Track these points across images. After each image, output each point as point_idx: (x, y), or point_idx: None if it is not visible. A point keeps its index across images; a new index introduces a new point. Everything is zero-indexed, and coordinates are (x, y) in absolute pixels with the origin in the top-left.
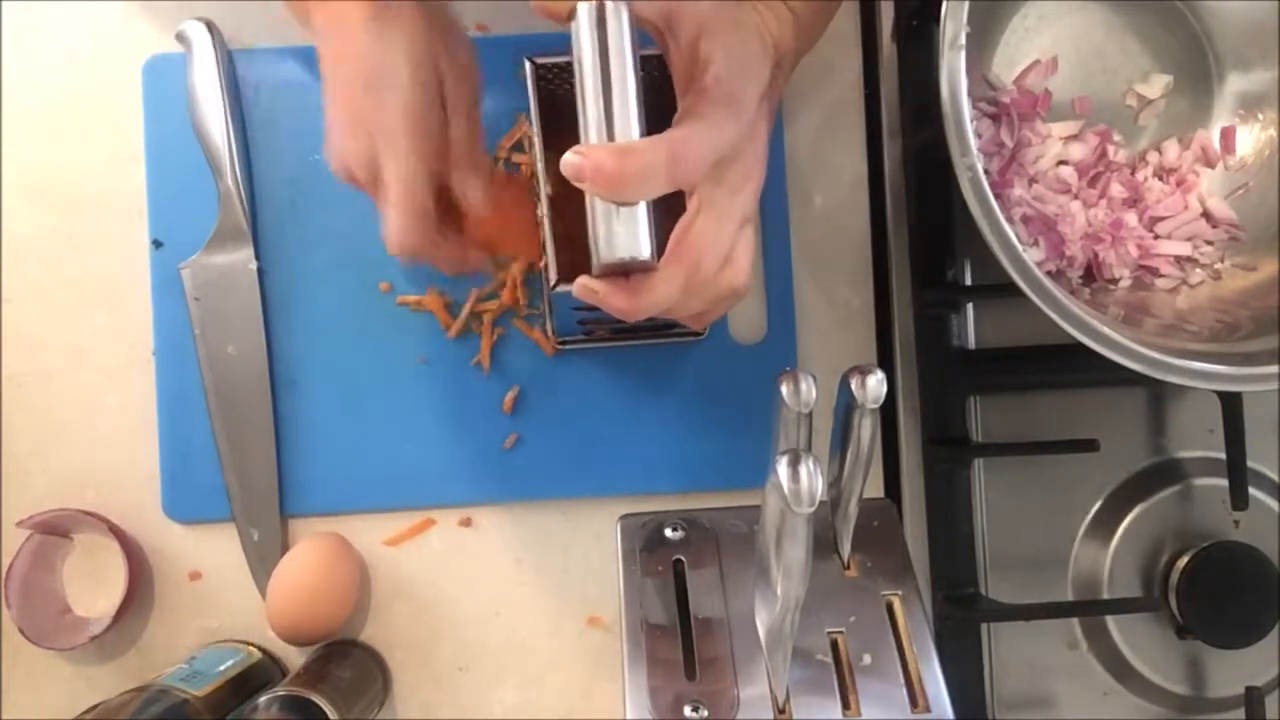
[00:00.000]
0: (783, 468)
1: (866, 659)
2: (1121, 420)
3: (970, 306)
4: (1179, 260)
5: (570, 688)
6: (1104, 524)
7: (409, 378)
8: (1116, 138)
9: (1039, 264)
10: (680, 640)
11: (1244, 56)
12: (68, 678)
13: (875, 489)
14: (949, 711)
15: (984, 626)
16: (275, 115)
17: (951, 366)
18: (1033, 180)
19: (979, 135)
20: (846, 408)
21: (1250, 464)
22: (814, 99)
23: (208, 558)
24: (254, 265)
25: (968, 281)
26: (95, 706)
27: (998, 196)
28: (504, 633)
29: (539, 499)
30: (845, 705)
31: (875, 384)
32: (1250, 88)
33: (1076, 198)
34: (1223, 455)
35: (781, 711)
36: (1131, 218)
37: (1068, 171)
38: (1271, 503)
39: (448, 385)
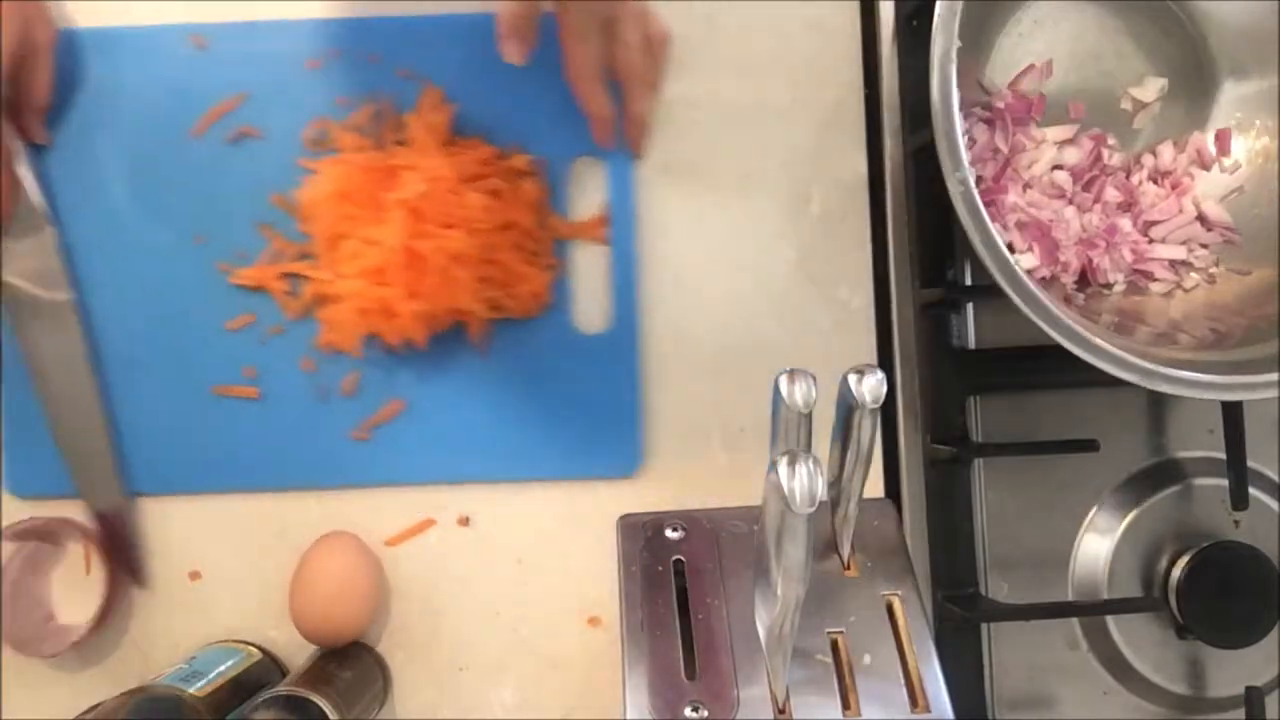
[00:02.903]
0: (783, 468)
1: (866, 659)
2: (1121, 420)
3: (970, 306)
4: (1173, 264)
5: (570, 688)
6: (1104, 524)
7: (249, 359)
8: (1111, 141)
9: (1033, 270)
10: (680, 640)
11: (1239, 61)
12: (68, 678)
13: (875, 489)
14: (949, 711)
15: (984, 626)
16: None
17: (951, 366)
18: (1027, 186)
19: (974, 141)
20: (847, 408)
21: (1250, 464)
22: (814, 99)
23: (208, 557)
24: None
25: (968, 281)
26: (95, 706)
27: (992, 203)
28: (504, 633)
29: (379, 484)
30: (845, 705)
31: (875, 384)
32: (1246, 91)
33: (1071, 203)
34: (1223, 455)
35: (781, 711)
36: (1126, 222)
37: (1062, 176)
38: (1271, 503)
39: (288, 368)
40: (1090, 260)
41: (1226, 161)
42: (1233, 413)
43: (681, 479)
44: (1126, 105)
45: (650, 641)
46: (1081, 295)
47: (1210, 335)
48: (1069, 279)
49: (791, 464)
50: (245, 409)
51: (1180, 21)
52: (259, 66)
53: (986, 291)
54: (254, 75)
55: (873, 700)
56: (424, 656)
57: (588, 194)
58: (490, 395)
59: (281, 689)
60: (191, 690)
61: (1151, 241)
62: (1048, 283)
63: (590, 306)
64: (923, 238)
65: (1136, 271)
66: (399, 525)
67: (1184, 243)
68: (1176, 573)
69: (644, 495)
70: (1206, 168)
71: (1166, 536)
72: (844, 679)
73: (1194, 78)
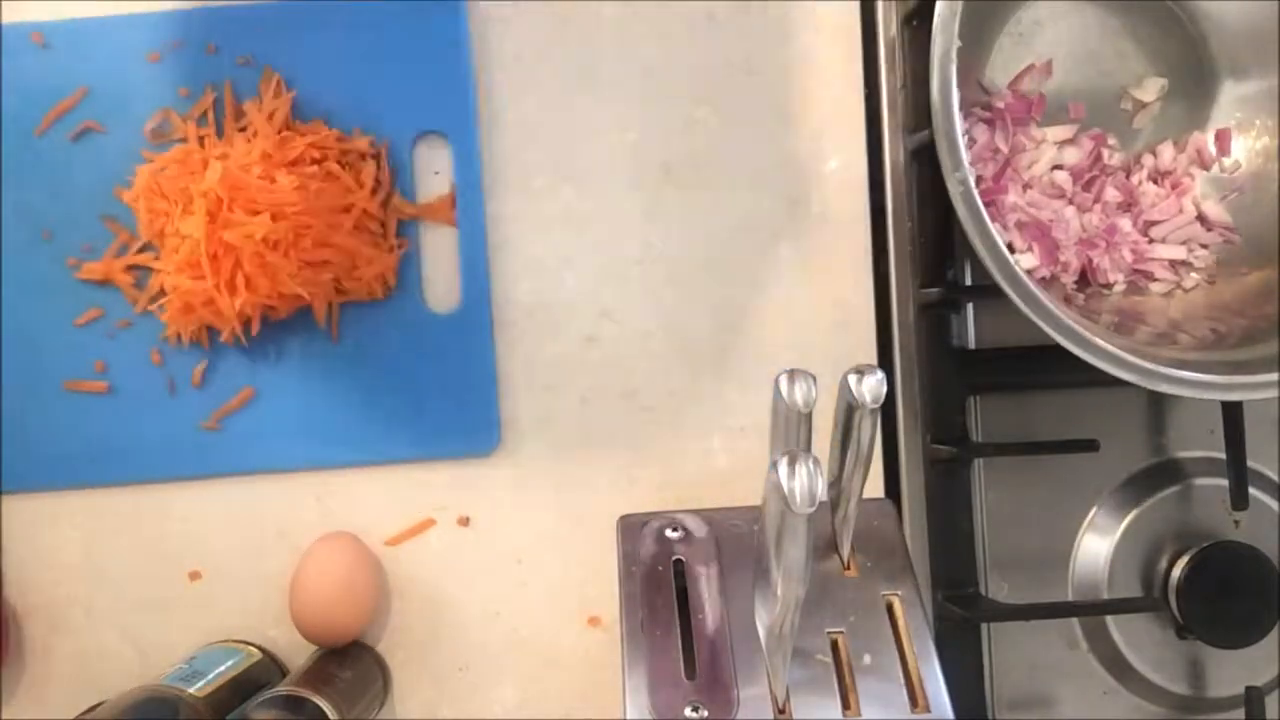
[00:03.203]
0: (782, 468)
1: (866, 659)
2: (1121, 420)
3: (970, 306)
4: (1173, 264)
5: (570, 688)
6: (1104, 524)
7: (99, 353)
8: (1111, 141)
9: (1033, 270)
10: (680, 640)
11: (1240, 61)
12: (68, 678)
13: (875, 489)
14: (949, 711)
15: (984, 626)
16: None
17: (951, 366)
18: (1027, 186)
19: (973, 141)
20: (847, 408)
21: (1250, 464)
22: (814, 99)
23: (208, 557)
24: None
25: (968, 281)
26: (95, 706)
27: (991, 203)
28: (504, 633)
29: (234, 474)
30: (845, 705)
31: (875, 384)
32: (1246, 92)
33: (1071, 203)
34: (1223, 455)
35: (781, 711)
36: (1126, 222)
37: (1062, 176)
38: (1271, 503)
39: (137, 361)
40: (1090, 260)
41: (1226, 161)
42: (1233, 413)
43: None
44: (1126, 105)
45: (650, 641)
46: (1081, 295)
47: (1210, 335)
48: (1069, 279)
49: (791, 464)
50: (97, 403)
51: (1180, 21)
52: (99, 62)
53: (986, 291)
54: (95, 70)
55: (873, 700)
56: (424, 656)
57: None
58: (341, 379)
59: (281, 689)
60: (191, 690)
61: (1151, 241)
62: (1048, 282)
63: (443, 287)
64: (923, 238)
65: (1137, 271)
66: (399, 525)
67: (1184, 243)
68: (1176, 573)
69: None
70: (1206, 168)
71: (1166, 536)
72: (844, 679)
73: (1194, 78)
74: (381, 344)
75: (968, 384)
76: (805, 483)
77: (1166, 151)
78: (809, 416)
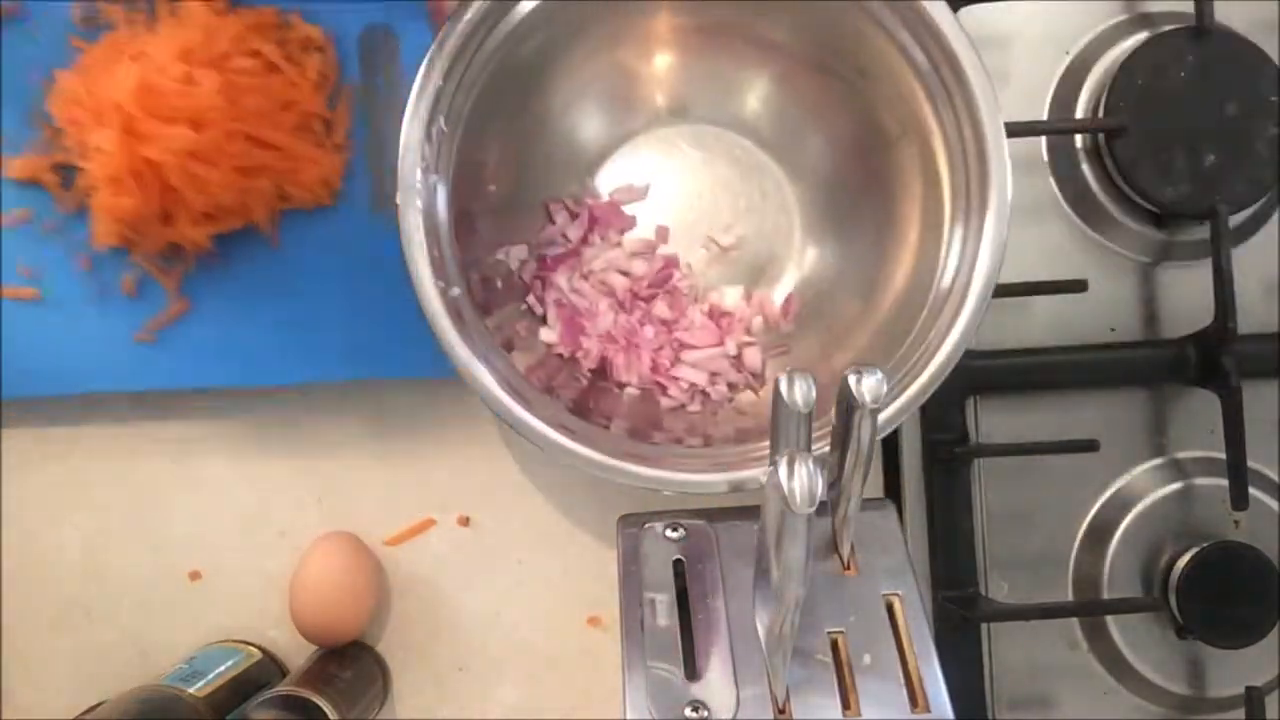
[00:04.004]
0: (783, 468)
1: (866, 659)
2: (1121, 420)
3: None
4: (691, 386)
5: (570, 688)
6: (1104, 524)
7: (27, 258)
8: (684, 268)
9: (552, 344)
10: (680, 640)
11: (819, 234)
12: (67, 678)
13: (875, 489)
14: (949, 711)
15: (984, 626)
16: None
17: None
18: (583, 276)
19: (552, 222)
20: (847, 408)
21: (1250, 464)
22: None
23: (208, 557)
24: None
25: None
26: (95, 706)
27: (542, 279)
28: (504, 633)
29: (167, 389)
30: (845, 705)
31: (875, 384)
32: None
33: (617, 300)
34: (1223, 455)
35: (781, 711)
36: (650, 331)
37: (620, 281)
38: (1271, 503)
39: (67, 267)
40: (608, 355)
41: (785, 328)
42: (1233, 410)
43: None
44: (707, 246)
45: (650, 642)
46: (584, 379)
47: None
48: (588, 363)
49: (791, 464)
50: (25, 311)
51: (783, 190)
52: None
53: None
54: None
55: (873, 700)
56: (424, 656)
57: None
58: (283, 292)
59: (281, 689)
60: (191, 690)
61: (679, 363)
62: (565, 359)
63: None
64: None
65: (655, 383)
66: (399, 525)
67: (713, 373)
68: (1176, 573)
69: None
70: (768, 323)
71: (1166, 536)
72: (844, 679)
73: (782, 240)
74: (326, 253)
75: (968, 384)
76: (805, 483)
77: (733, 294)
78: (809, 416)
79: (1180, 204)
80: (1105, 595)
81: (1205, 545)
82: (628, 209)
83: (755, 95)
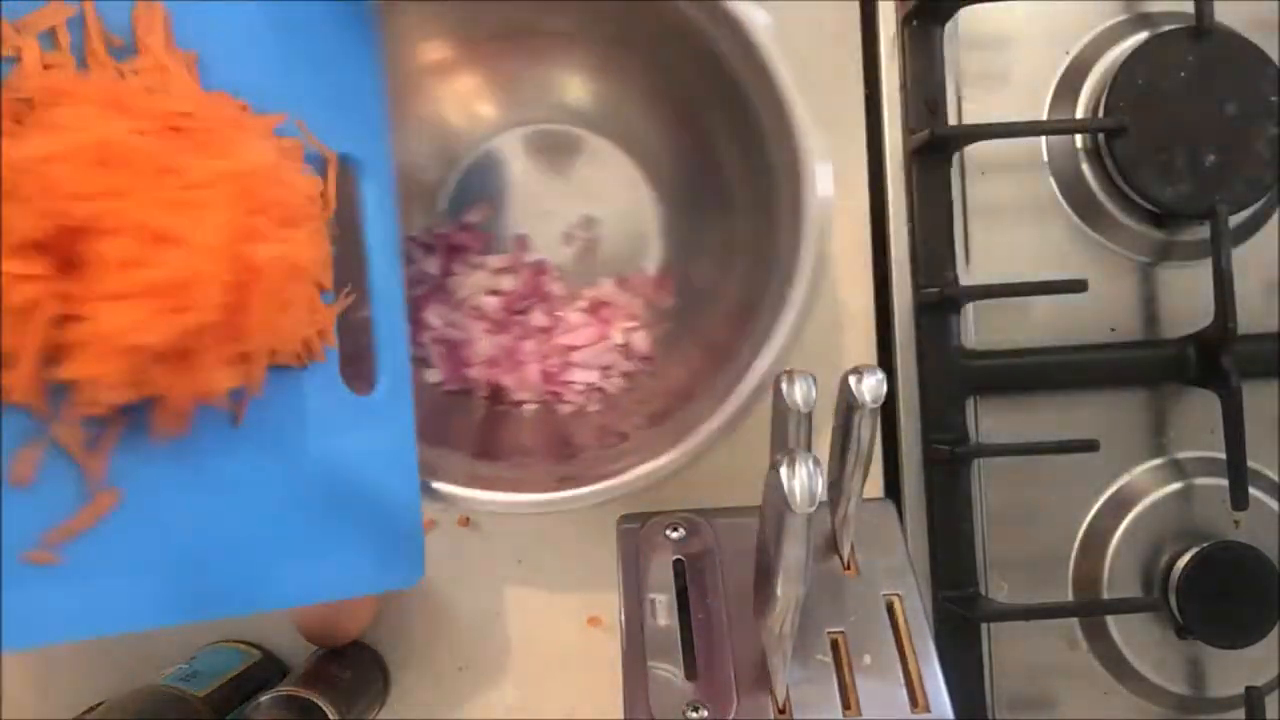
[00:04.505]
0: (783, 468)
1: (866, 659)
2: (1121, 420)
3: (970, 306)
4: (588, 387)
5: (570, 688)
6: (1104, 524)
7: None
8: (555, 270)
9: (440, 383)
10: (680, 640)
11: (673, 205)
12: (68, 678)
13: (875, 489)
14: (949, 711)
15: (984, 626)
16: None
17: (951, 366)
18: (454, 307)
19: (411, 262)
20: (846, 408)
21: (1250, 464)
22: (814, 99)
23: None
24: None
25: (968, 281)
26: (95, 706)
27: (414, 321)
28: (504, 633)
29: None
30: (845, 705)
31: (875, 384)
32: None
33: (493, 325)
34: (1223, 455)
35: (781, 711)
36: (530, 345)
37: (492, 302)
38: (1271, 503)
39: None
40: (497, 379)
41: (666, 302)
42: (1233, 410)
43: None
44: (573, 241)
45: (650, 641)
46: (483, 408)
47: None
48: (481, 393)
49: (791, 464)
50: None
51: (621, 167)
52: None
53: (986, 291)
54: None
55: (873, 700)
56: (424, 656)
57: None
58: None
59: (281, 689)
60: (191, 690)
61: (570, 365)
62: (454, 394)
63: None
64: (923, 238)
65: (550, 393)
66: None
67: (604, 367)
68: (1176, 573)
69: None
70: (648, 302)
71: (1166, 536)
72: (844, 679)
73: (640, 217)
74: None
75: (968, 384)
76: (805, 483)
77: (608, 284)
78: (809, 416)
79: (1180, 204)
80: (1105, 595)
81: (1205, 545)
82: (482, 228)
83: (569, 84)
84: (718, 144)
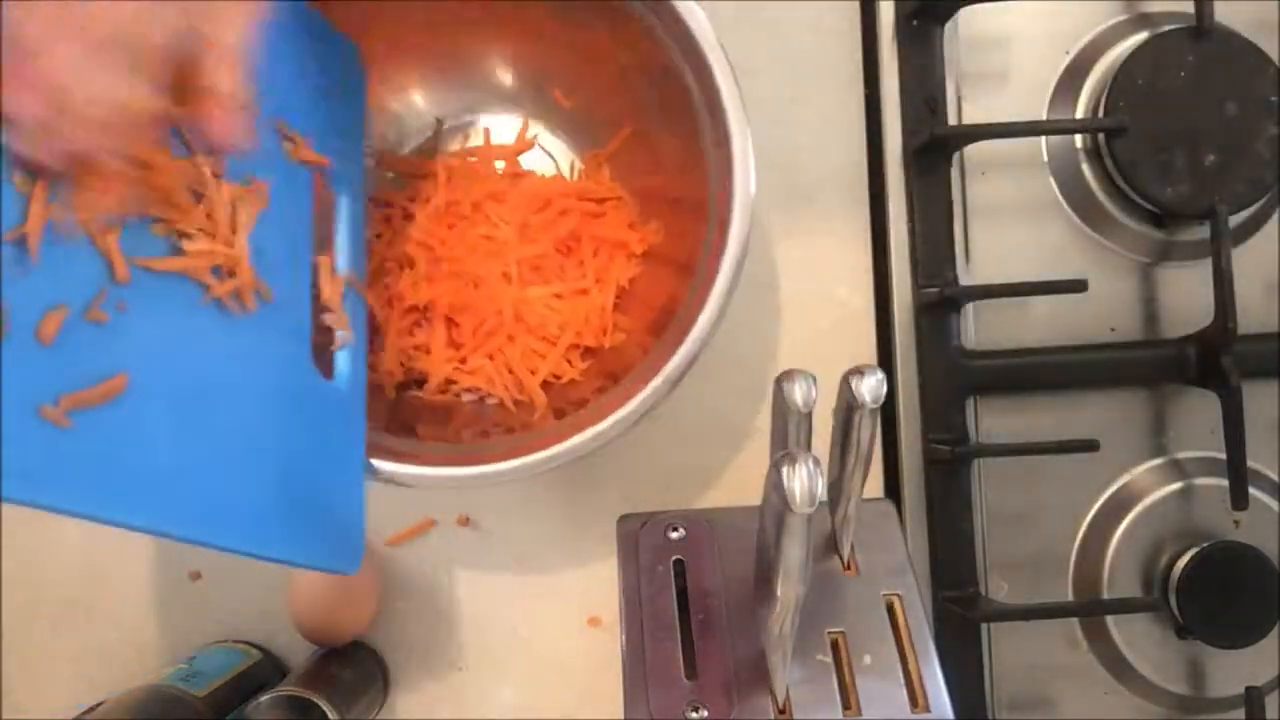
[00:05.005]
0: (783, 468)
1: (866, 659)
2: (1121, 420)
3: (970, 306)
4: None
5: (570, 688)
6: (1104, 524)
7: None
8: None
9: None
10: (680, 640)
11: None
12: (68, 678)
13: (875, 489)
14: (949, 711)
15: (984, 626)
16: None
17: (951, 366)
18: None
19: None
20: (846, 408)
21: (1250, 464)
22: (814, 99)
23: (208, 558)
24: None
25: (968, 281)
26: (95, 706)
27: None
28: (504, 633)
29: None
30: (845, 705)
31: (875, 384)
32: None
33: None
34: (1223, 455)
35: (781, 711)
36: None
37: None
38: (1271, 503)
39: None
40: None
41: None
42: (1233, 410)
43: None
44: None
45: (650, 641)
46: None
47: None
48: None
49: (791, 464)
50: None
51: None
52: None
53: (986, 291)
54: None
55: (873, 700)
56: (424, 656)
57: None
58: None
59: (281, 689)
60: (191, 690)
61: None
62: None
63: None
64: (923, 238)
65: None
66: (399, 525)
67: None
68: (1176, 573)
69: None
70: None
71: (1166, 536)
72: (844, 679)
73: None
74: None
75: (968, 384)
76: (805, 483)
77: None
78: (809, 416)
79: (1180, 204)
80: (1105, 595)
81: (1205, 545)
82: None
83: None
84: (653, 115)
